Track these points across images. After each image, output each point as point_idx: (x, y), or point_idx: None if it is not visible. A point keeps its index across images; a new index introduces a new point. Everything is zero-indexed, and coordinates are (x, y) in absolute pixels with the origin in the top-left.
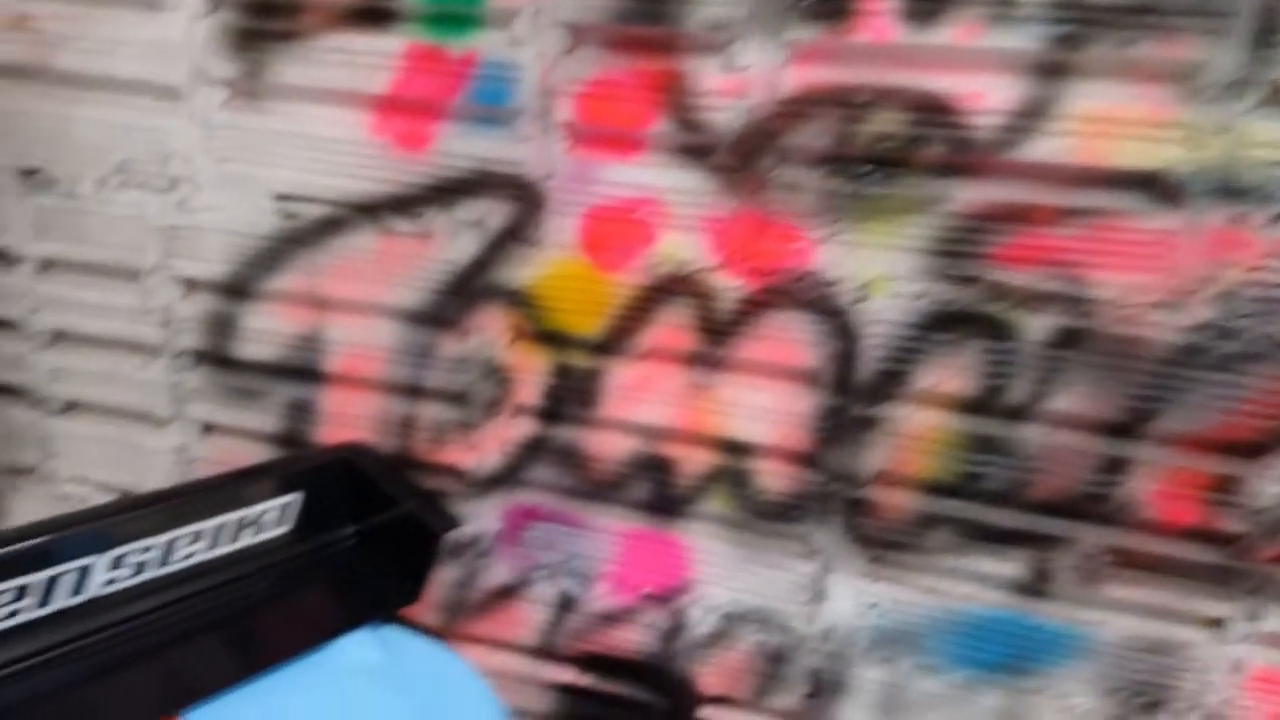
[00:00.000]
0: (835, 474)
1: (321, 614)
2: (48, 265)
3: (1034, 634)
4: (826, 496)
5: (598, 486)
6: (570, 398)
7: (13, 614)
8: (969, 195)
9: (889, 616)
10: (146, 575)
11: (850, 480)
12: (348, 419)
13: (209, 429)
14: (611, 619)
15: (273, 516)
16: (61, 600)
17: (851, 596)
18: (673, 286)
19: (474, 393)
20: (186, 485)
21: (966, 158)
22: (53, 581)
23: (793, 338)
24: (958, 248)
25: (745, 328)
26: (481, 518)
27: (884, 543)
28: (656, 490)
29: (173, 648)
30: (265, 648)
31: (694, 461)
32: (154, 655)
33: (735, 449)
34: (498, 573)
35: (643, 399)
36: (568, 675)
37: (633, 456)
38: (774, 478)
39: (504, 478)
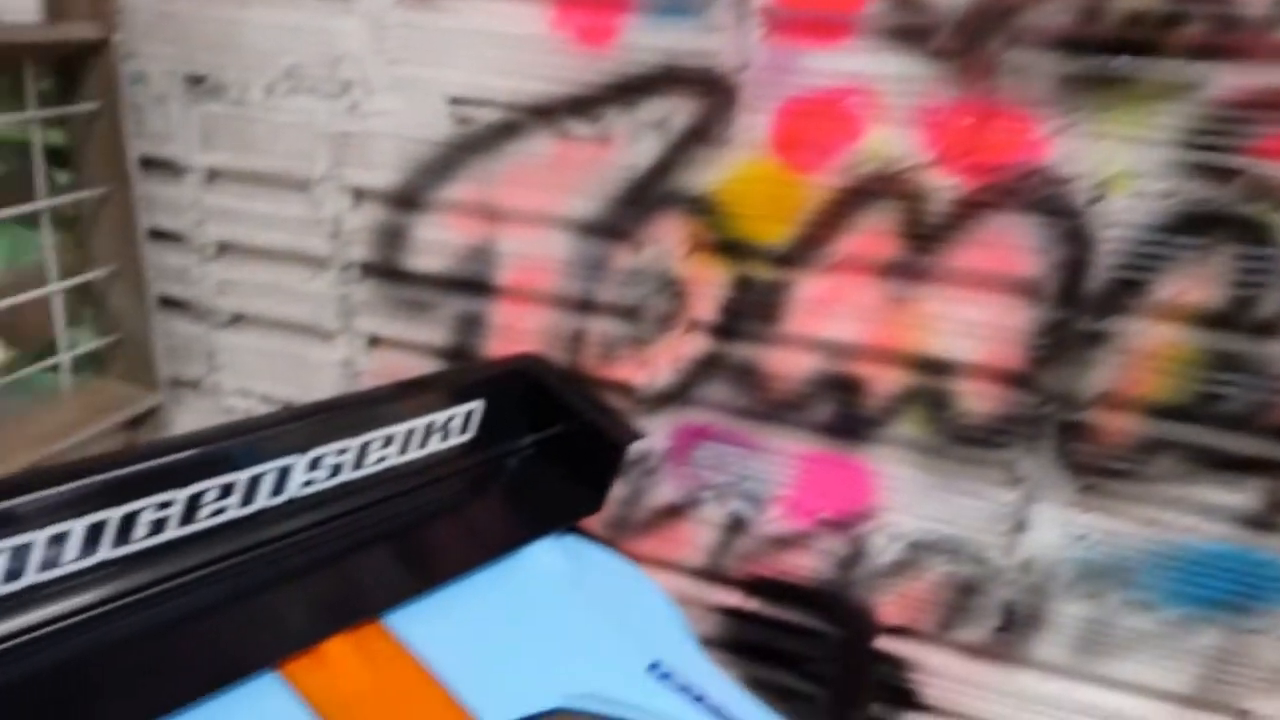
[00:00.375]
0: (1050, 395)
1: (505, 522)
2: (214, 175)
3: (1261, 570)
4: (1038, 420)
5: (776, 406)
6: (751, 312)
7: (219, 511)
8: (1231, 80)
9: (1098, 549)
10: (341, 478)
11: (1067, 402)
12: (517, 333)
13: (375, 342)
14: (784, 543)
15: (456, 424)
16: (262, 500)
17: (1056, 527)
18: (877, 187)
19: (647, 307)
20: (377, 390)
21: (1231, 37)
22: (255, 481)
23: (1014, 243)
24: (1214, 140)
25: (958, 233)
26: (650, 435)
27: (1100, 470)
28: (841, 411)
29: (364, 552)
30: (453, 554)
31: (886, 381)
32: (348, 559)
33: (935, 368)
34: (664, 491)
35: (832, 313)
36: (734, 599)
37: (817, 375)
38: (978, 399)
39: (675, 395)
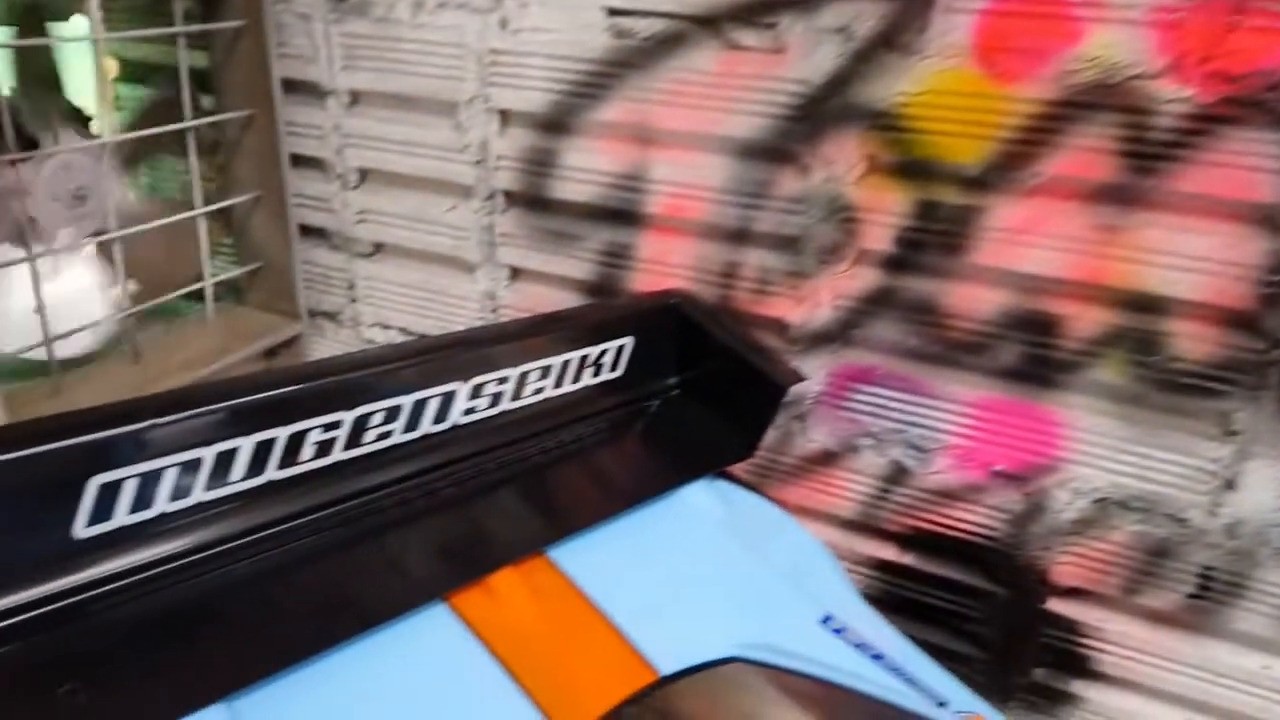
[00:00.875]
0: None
1: (657, 463)
2: (357, 99)
3: None
4: (1263, 367)
5: (954, 348)
6: (932, 242)
7: (384, 436)
8: None
9: None
10: (501, 408)
11: None
12: (664, 267)
13: (517, 275)
14: (950, 496)
15: (607, 359)
16: (426, 426)
17: (1272, 486)
18: (1094, 99)
19: (811, 237)
20: (533, 320)
21: None
22: (420, 405)
23: (1253, 165)
24: None
25: (1187, 152)
26: (806, 377)
27: None
28: (1031, 354)
29: (525, 484)
30: (610, 492)
31: (1086, 320)
32: (510, 491)
33: (1146, 306)
34: (816, 437)
35: (1029, 243)
36: (887, 552)
37: (1004, 314)
38: (1192, 342)
39: (835, 335)
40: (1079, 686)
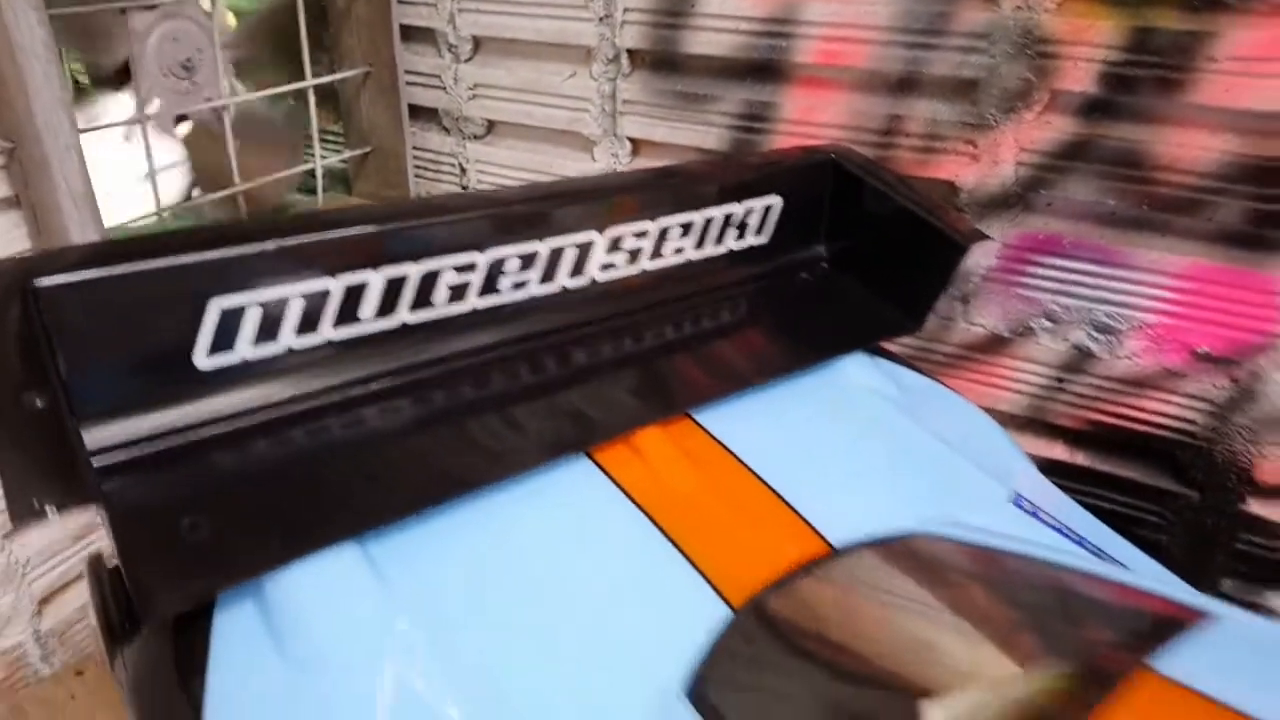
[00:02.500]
0: None
1: (812, 331)
2: None
3: None
4: None
5: (1161, 208)
6: (1144, 79)
7: (520, 285)
8: None
9: None
10: (640, 266)
11: None
12: (812, 127)
13: (639, 148)
14: (1139, 384)
15: (754, 220)
16: (563, 278)
17: None
18: None
19: (994, 80)
20: (672, 168)
21: None
22: (556, 255)
23: None
24: None
25: None
26: (973, 250)
27: None
28: (1256, 211)
29: (668, 346)
30: (758, 358)
31: None
32: (652, 351)
33: None
34: (983, 321)
35: (1266, 74)
36: (1056, 451)
37: (1228, 164)
38: None
39: (1016, 198)
40: (1275, 599)
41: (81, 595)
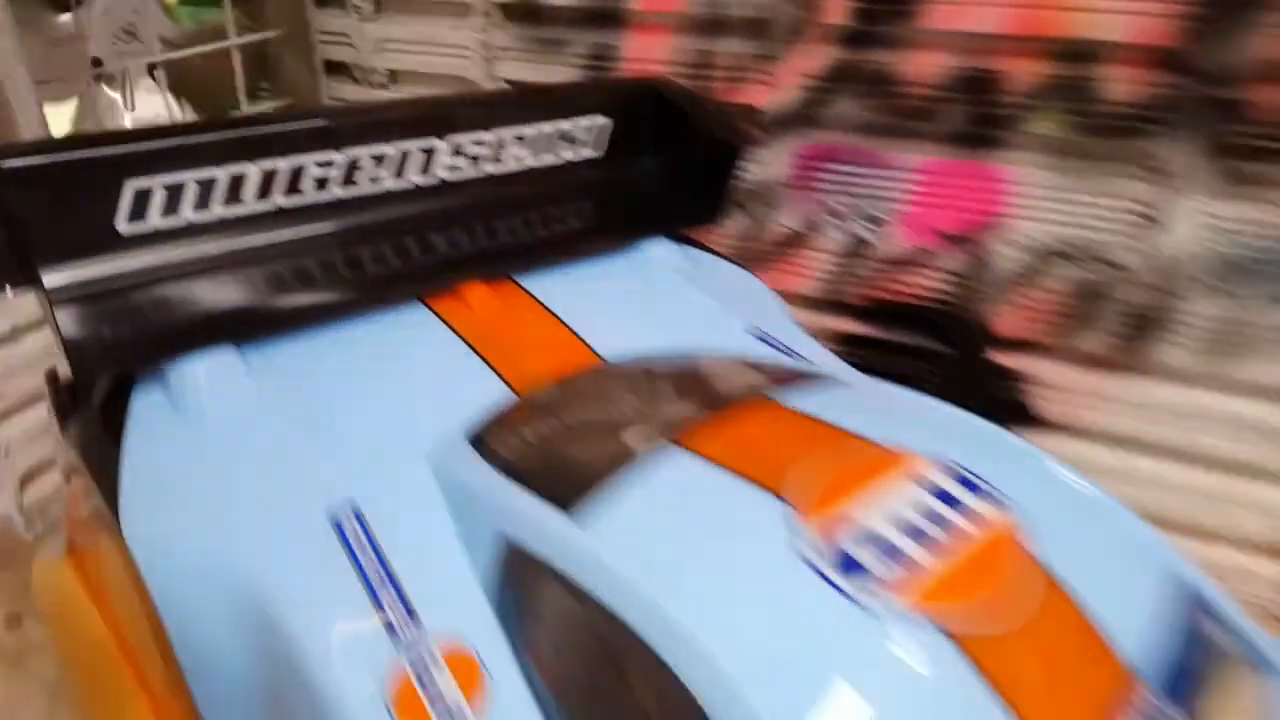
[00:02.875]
0: (1204, 74)
1: (626, 220)
2: None
3: None
4: (1187, 102)
5: (904, 117)
6: (884, 11)
7: (376, 180)
8: None
9: (1240, 242)
10: (482, 170)
11: (1222, 80)
12: (646, 65)
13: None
14: (902, 264)
15: (584, 136)
16: (413, 175)
17: (1196, 222)
18: None
19: (778, 19)
20: (508, 89)
21: None
22: (405, 157)
23: None
24: None
25: None
26: (771, 162)
27: (1251, 151)
28: (974, 114)
29: (501, 226)
30: (579, 238)
31: (1025, 75)
32: (487, 229)
33: (1079, 54)
34: (786, 220)
35: (977, 3)
36: (851, 325)
37: (951, 77)
38: (1123, 85)
39: (800, 116)
40: (1021, 433)
41: (55, 479)
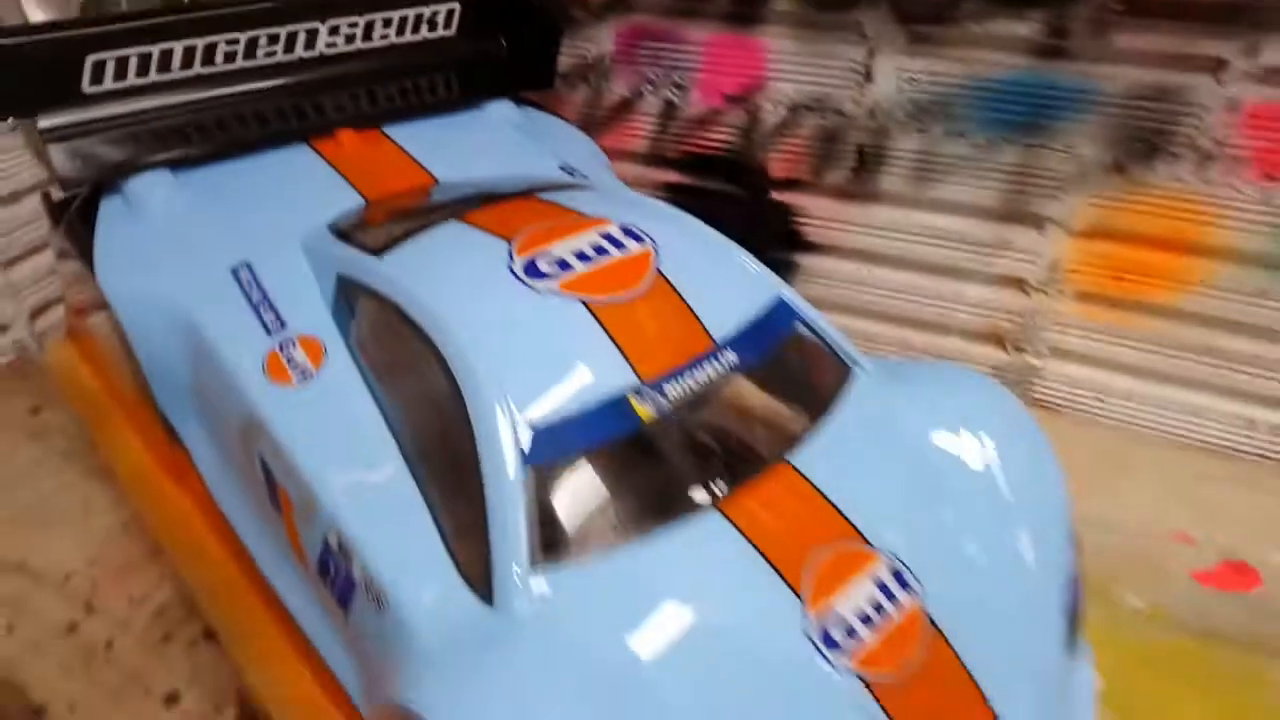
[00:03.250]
0: None
1: (475, 87)
2: None
3: (1049, 92)
4: None
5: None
6: None
7: (271, 54)
8: None
9: (924, 89)
10: (356, 45)
11: None
12: None
13: None
14: (702, 122)
15: (440, 18)
16: (300, 51)
17: (893, 75)
18: None
19: None
20: None
21: None
22: (293, 36)
23: None
24: None
25: None
26: (601, 41)
27: (923, 17)
28: None
29: (372, 89)
30: (432, 99)
31: None
32: (360, 90)
33: None
34: (617, 89)
35: None
36: (672, 176)
37: None
38: None
39: (618, 2)
40: (799, 257)
41: (59, 313)
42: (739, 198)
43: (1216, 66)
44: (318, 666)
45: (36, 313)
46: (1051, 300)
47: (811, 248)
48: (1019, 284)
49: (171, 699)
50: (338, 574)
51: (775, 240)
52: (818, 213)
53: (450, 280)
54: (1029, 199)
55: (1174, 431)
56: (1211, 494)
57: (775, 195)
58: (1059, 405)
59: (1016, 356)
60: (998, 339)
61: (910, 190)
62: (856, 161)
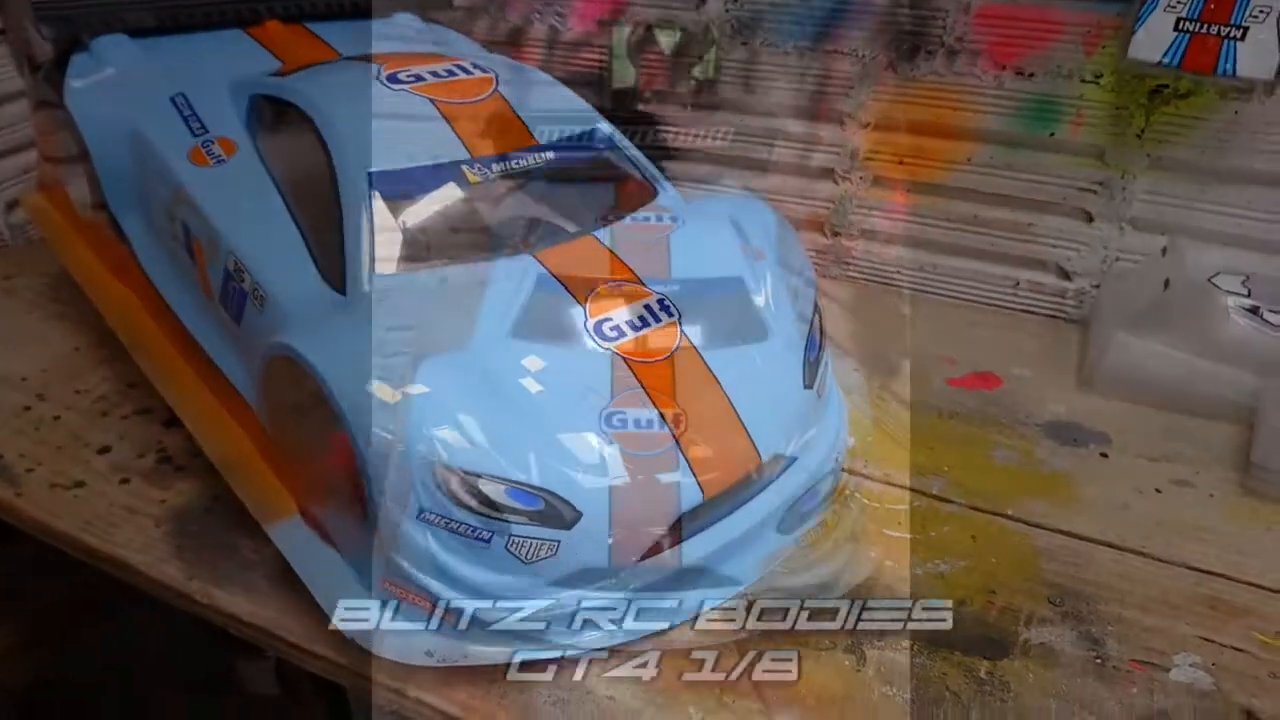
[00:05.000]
0: None
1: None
2: None
3: (832, 5)
4: None
5: None
6: None
7: None
8: None
9: (744, 7)
10: None
11: None
12: None
13: None
14: (581, 44)
15: None
16: None
17: None
18: None
19: None
20: None
21: None
22: None
23: None
24: None
25: None
26: None
27: None
28: None
29: None
30: (350, 8)
31: None
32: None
33: None
34: (510, 18)
35: None
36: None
37: None
38: None
39: None
40: (665, 164)
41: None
42: (618, 114)
43: None
44: (222, 387)
45: (11, 206)
46: (855, 187)
47: (676, 154)
48: (831, 174)
49: (104, 449)
50: (234, 294)
51: (644, 148)
52: (675, 121)
53: (331, 85)
54: (831, 98)
55: (958, 295)
56: (978, 334)
57: (641, 107)
58: (869, 279)
59: (835, 240)
60: (819, 225)
61: (744, 96)
62: (703, 73)
